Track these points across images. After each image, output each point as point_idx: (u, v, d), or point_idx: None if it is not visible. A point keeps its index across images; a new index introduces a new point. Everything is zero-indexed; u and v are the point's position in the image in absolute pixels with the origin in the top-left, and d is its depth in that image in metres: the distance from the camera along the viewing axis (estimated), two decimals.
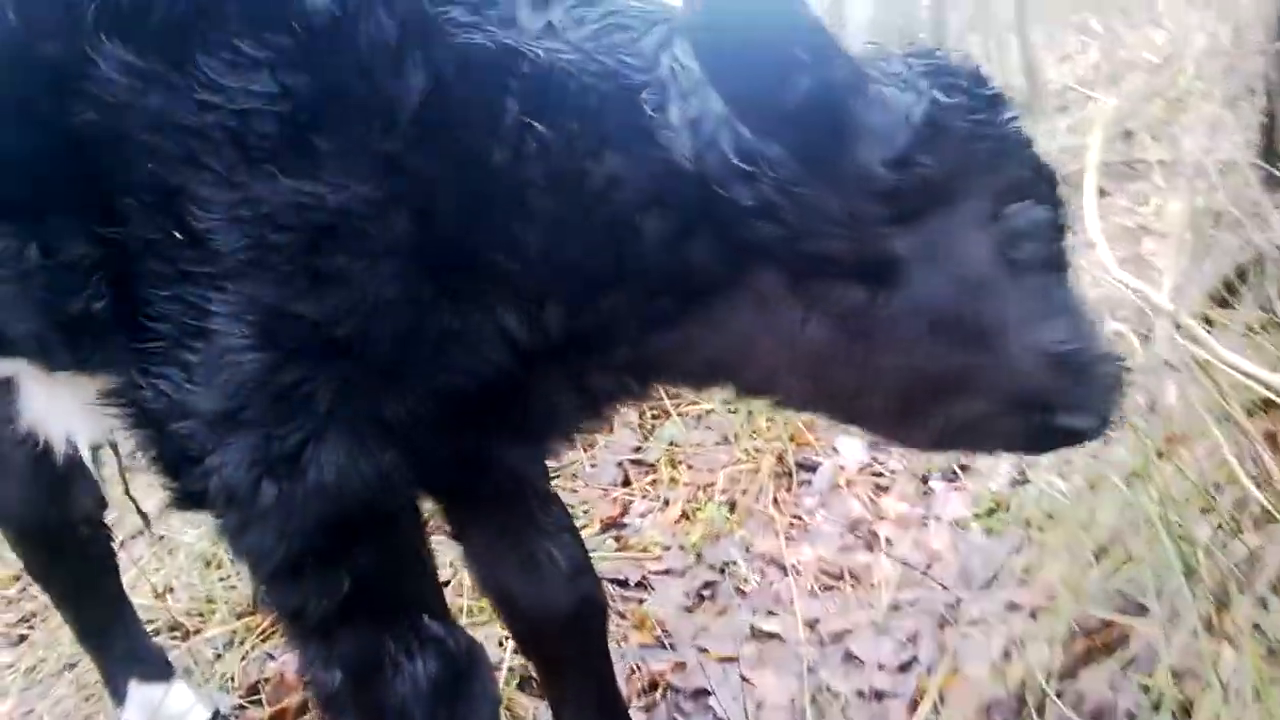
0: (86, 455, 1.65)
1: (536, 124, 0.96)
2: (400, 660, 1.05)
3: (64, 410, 1.35)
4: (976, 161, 0.99)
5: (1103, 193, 5.14)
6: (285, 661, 2.11)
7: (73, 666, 2.37)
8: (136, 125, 0.95)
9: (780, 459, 2.57)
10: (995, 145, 1.01)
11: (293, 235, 0.95)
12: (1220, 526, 1.60)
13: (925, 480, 2.43)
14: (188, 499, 1.05)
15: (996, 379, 1.04)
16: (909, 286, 1.00)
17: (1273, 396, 1.22)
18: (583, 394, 1.16)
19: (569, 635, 1.39)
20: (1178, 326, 1.28)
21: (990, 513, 2.20)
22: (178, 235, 0.96)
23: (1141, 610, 1.61)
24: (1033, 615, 1.75)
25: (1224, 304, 2.24)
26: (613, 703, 1.47)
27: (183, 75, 0.94)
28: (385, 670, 1.05)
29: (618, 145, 0.98)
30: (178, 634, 2.38)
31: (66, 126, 0.97)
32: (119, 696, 1.92)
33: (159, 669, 1.95)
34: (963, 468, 2.43)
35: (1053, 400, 1.06)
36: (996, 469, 2.35)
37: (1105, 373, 1.07)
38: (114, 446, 2.16)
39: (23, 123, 1.00)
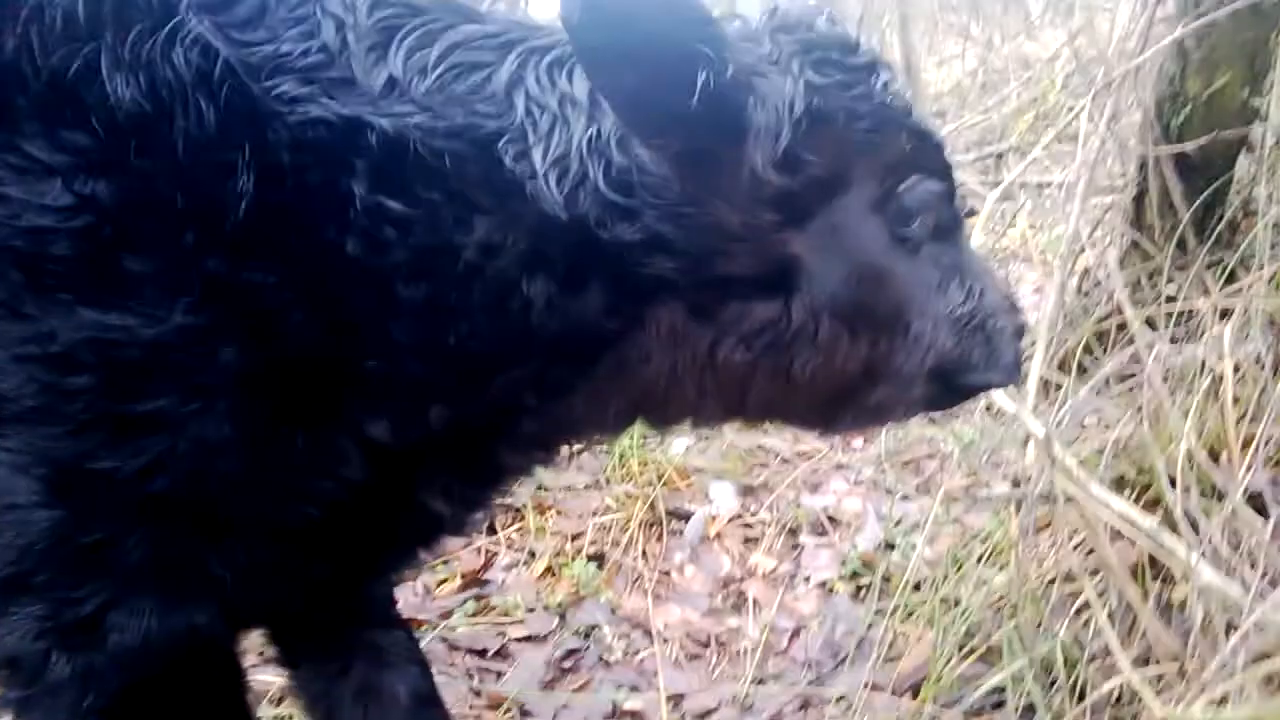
0: None
1: (391, 203, 0.85)
2: None
3: None
4: (859, 144, 0.96)
5: (970, 213, 5.29)
6: None
7: None
8: None
9: (651, 506, 2.51)
10: (875, 121, 0.97)
11: (93, 377, 0.81)
12: (1081, 616, 1.61)
13: (795, 533, 2.40)
14: None
15: (908, 358, 1.05)
16: (811, 288, 0.97)
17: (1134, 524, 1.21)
18: (467, 488, 1.06)
19: None
20: (1052, 460, 1.26)
21: (855, 574, 2.19)
22: None
23: (1000, 705, 1.62)
24: (895, 694, 1.74)
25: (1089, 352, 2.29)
26: None
27: None
28: None
29: (484, 209, 0.87)
30: None
31: None
32: None
33: None
34: (831, 520, 2.42)
35: (960, 364, 1.09)
36: (864, 525, 2.36)
37: (1004, 326, 1.12)
38: None
39: None
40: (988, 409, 2.55)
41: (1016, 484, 1.88)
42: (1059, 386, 2.19)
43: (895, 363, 1.04)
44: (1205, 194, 1.80)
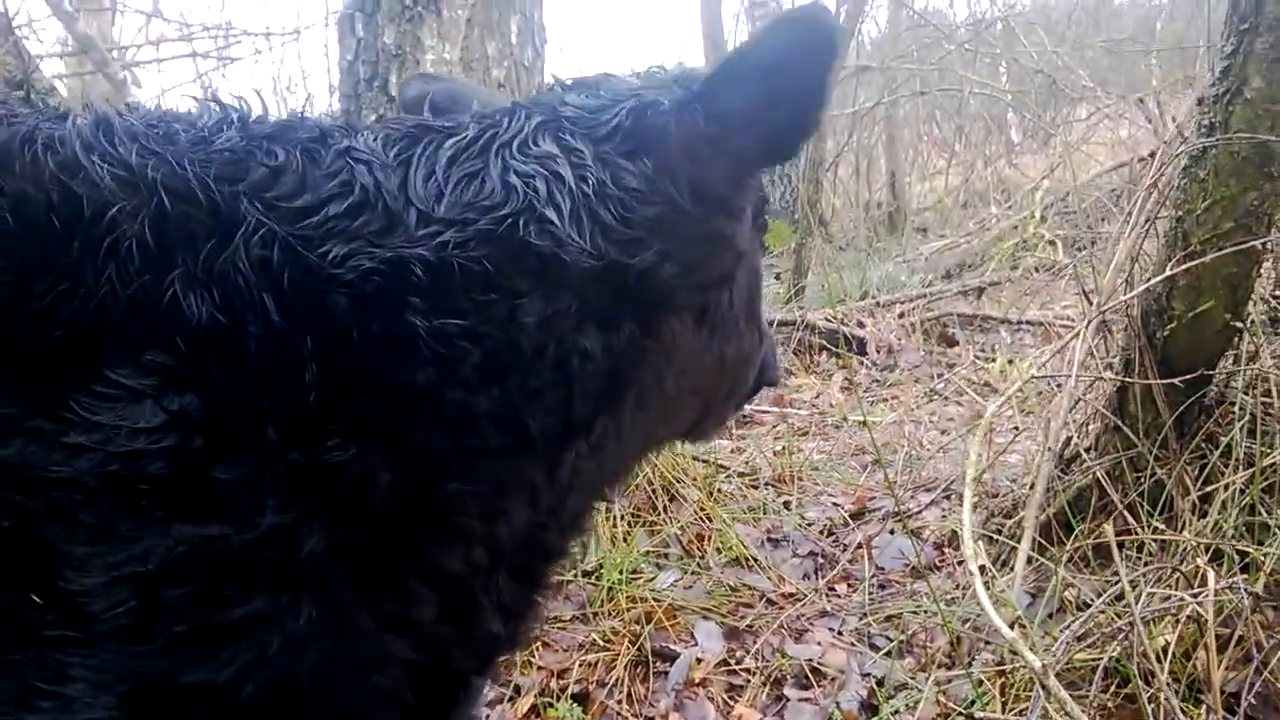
0: None
1: (451, 322, 0.90)
2: None
3: None
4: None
5: (952, 343, 5.46)
6: None
7: None
8: None
9: (638, 645, 2.53)
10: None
11: (188, 590, 0.82)
12: None
13: (779, 684, 2.44)
14: None
15: (762, 347, 1.33)
16: (738, 282, 1.17)
17: None
18: (520, 596, 1.11)
19: None
20: (1048, 693, 1.33)
21: None
22: (39, 599, 0.82)
23: None
24: None
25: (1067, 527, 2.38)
26: None
27: (48, 418, 0.80)
28: None
29: (531, 289, 0.94)
30: None
31: None
32: None
33: None
34: (814, 672, 2.46)
35: (769, 359, 1.41)
36: (847, 681, 2.40)
37: (773, 339, 1.45)
38: None
39: None
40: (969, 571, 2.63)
41: (1002, 671, 1.95)
42: (1030, 560, 2.27)
43: (758, 349, 1.31)
44: (1188, 402, 1.91)
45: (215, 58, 7.66)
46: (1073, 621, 1.67)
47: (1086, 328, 1.93)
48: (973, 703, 2.04)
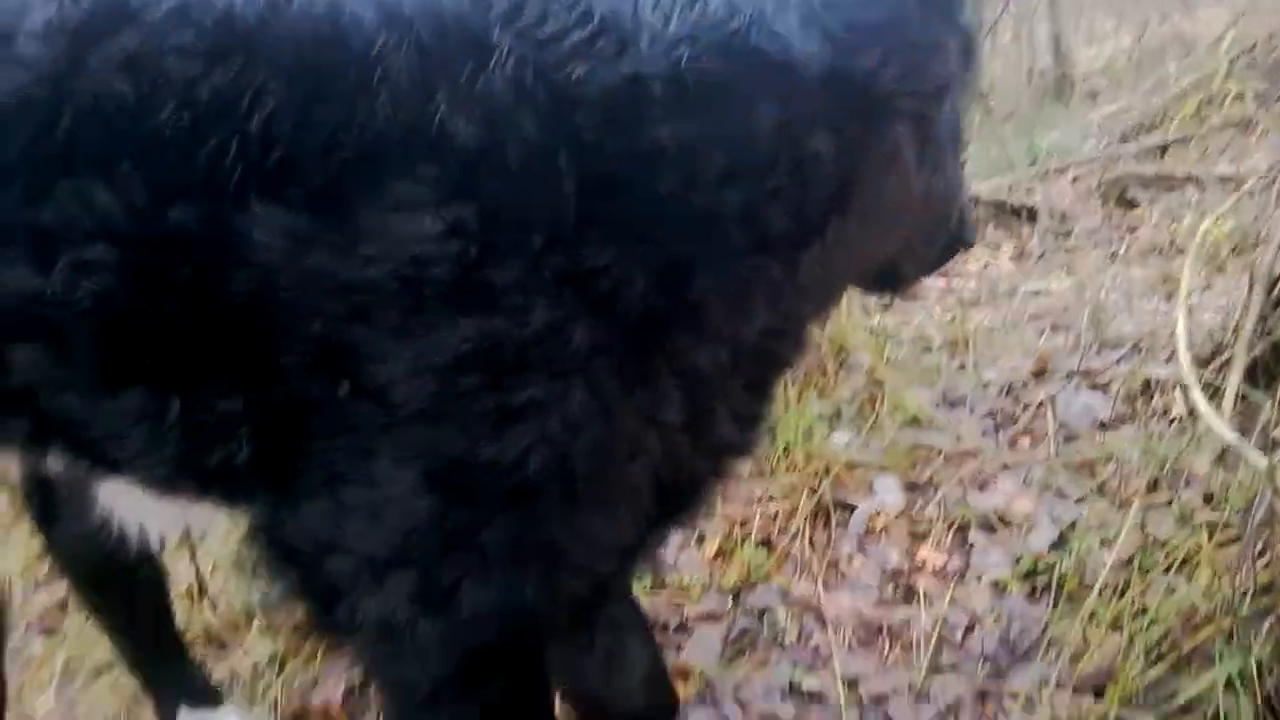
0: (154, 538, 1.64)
1: (690, 130, 0.95)
2: None
3: (138, 503, 1.35)
4: None
5: (1132, 205, 5.12)
6: (330, 690, 2.15)
7: (109, 668, 2.40)
8: (296, 288, 0.93)
9: (817, 497, 2.59)
10: None
11: (478, 378, 0.93)
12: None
13: (963, 530, 2.44)
14: (331, 629, 1.06)
15: (960, 195, 1.31)
16: (946, 110, 1.16)
17: None
18: (751, 403, 1.18)
19: None
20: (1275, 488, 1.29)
21: (1029, 574, 2.21)
22: (348, 392, 0.94)
23: (1186, 709, 1.64)
24: (1077, 698, 1.78)
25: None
26: None
27: (342, 231, 0.91)
28: None
29: (765, 96, 0.98)
30: (212, 645, 2.42)
31: (214, 293, 0.94)
32: None
33: (208, 695, 1.99)
34: (1000, 519, 2.45)
35: (964, 214, 1.36)
36: (1036, 525, 2.37)
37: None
38: (191, 547, 2.19)
39: (162, 291, 0.96)
40: (1167, 417, 2.53)
41: (1209, 499, 1.89)
42: (1244, 398, 2.16)
43: (958, 195, 1.28)
44: None
45: None
46: None
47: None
48: (1171, 543, 1.99)
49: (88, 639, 2.51)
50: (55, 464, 1.21)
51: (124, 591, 1.83)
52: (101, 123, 0.93)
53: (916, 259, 1.35)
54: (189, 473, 1.05)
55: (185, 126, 0.92)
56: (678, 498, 1.16)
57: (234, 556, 2.59)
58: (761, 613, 2.24)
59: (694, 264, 0.98)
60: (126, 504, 1.40)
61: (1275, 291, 2.45)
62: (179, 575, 2.42)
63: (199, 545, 2.51)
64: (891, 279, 1.41)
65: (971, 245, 1.48)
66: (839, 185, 1.04)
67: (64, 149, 0.95)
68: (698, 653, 2.12)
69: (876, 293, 1.60)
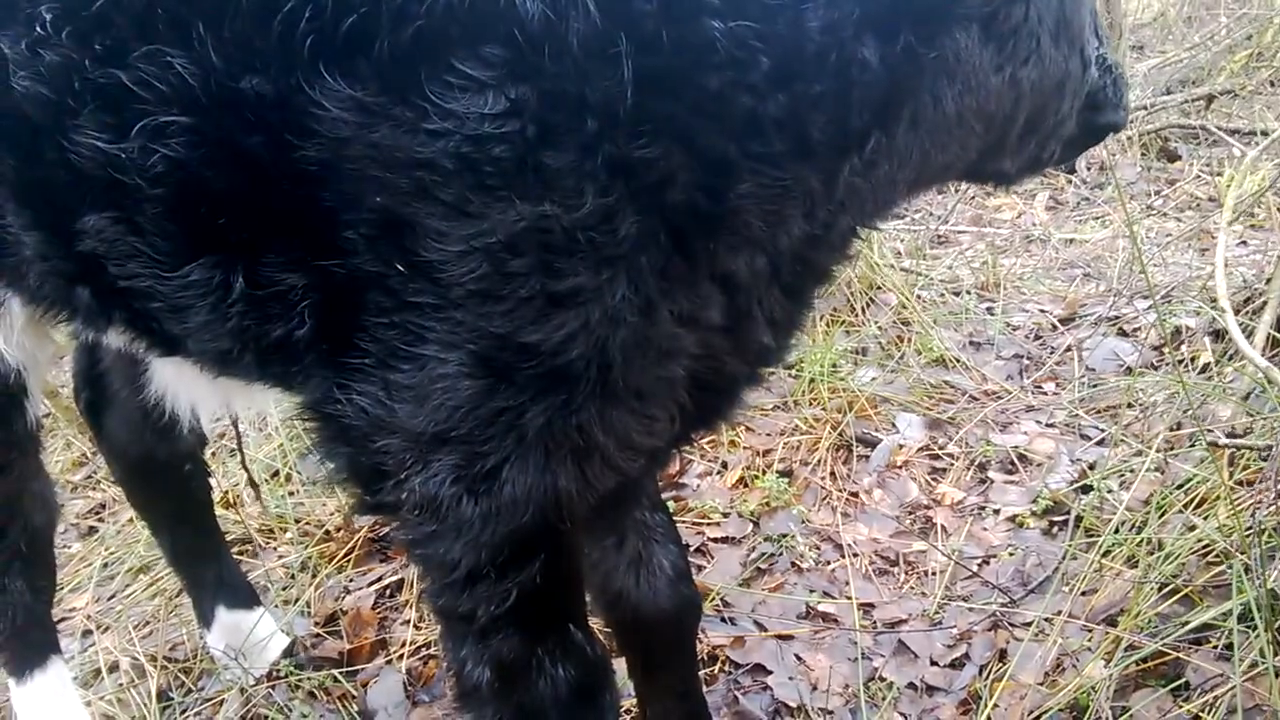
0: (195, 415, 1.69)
1: (743, 24, 0.94)
2: (546, 666, 1.11)
3: (191, 385, 1.39)
4: None
5: (1173, 158, 5.03)
6: (360, 596, 2.23)
7: (147, 569, 2.50)
8: (361, 160, 0.94)
9: (839, 430, 2.62)
10: None
11: (528, 261, 0.95)
12: None
13: (983, 468, 2.47)
14: (378, 508, 1.10)
15: (1081, 80, 1.23)
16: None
17: None
18: (790, 308, 1.19)
19: (668, 634, 1.47)
20: None
21: (1047, 511, 2.25)
22: (404, 268, 0.96)
23: (1197, 642, 1.68)
24: (1088, 628, 1.82)
25: None
26: (697, 696, 1.56)
27: (408, 106, 0.92)
28: (531, 673, 1.11)
29: None
30: (248, 549, 2.51)
31: (282, 162, 0.96)
32: (205, 619, 2.04)
33: (246, 597, 2.06)
34: (1021, 459, 2.47)
35: (1099, 99, 1.29)
36: (1056, 465, 2.40)
37: (1121, 73, 1.33)
38: (234, 421, 2.24)
39: (233, 159, 0.99)
40: (1194, 365, 2.53)
41: (1234, 434, 1.90)
42: (1273, 341, 2.16)
43: (1074, 80, 1.20)
44: None
45: None
46: None
47: None
48: (1190, 482, 2.00)
49: (127, 540, 2.61)
50: (115, 339, 1.25)
51: (171, 487, 1.89)
52: None
53: (1021, 155, 1.26)
54: (249, 348, 1.08)
55: None
56: (711, 400, 1.18)
57: (271, 463, 2.68)
58: (780, 539, 2.29)
59: (734, 166, 0.99)
60: (180, 389, 1.45)
61: None
62: (219, 482, 2.51)
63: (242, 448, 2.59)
64: (996, 175, 1.34)
65: (1118, 128, 1.40)
66: (885, 96, 1.03)
67: (142, 12, 0.97)
68: (717, 574, 2.18)
69: (987, 186, 1.54)
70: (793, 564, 2.22)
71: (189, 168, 1.00)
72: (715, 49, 0.95)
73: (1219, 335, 2.54)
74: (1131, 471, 2.17)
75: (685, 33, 0.95)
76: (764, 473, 2.50)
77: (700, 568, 2.21)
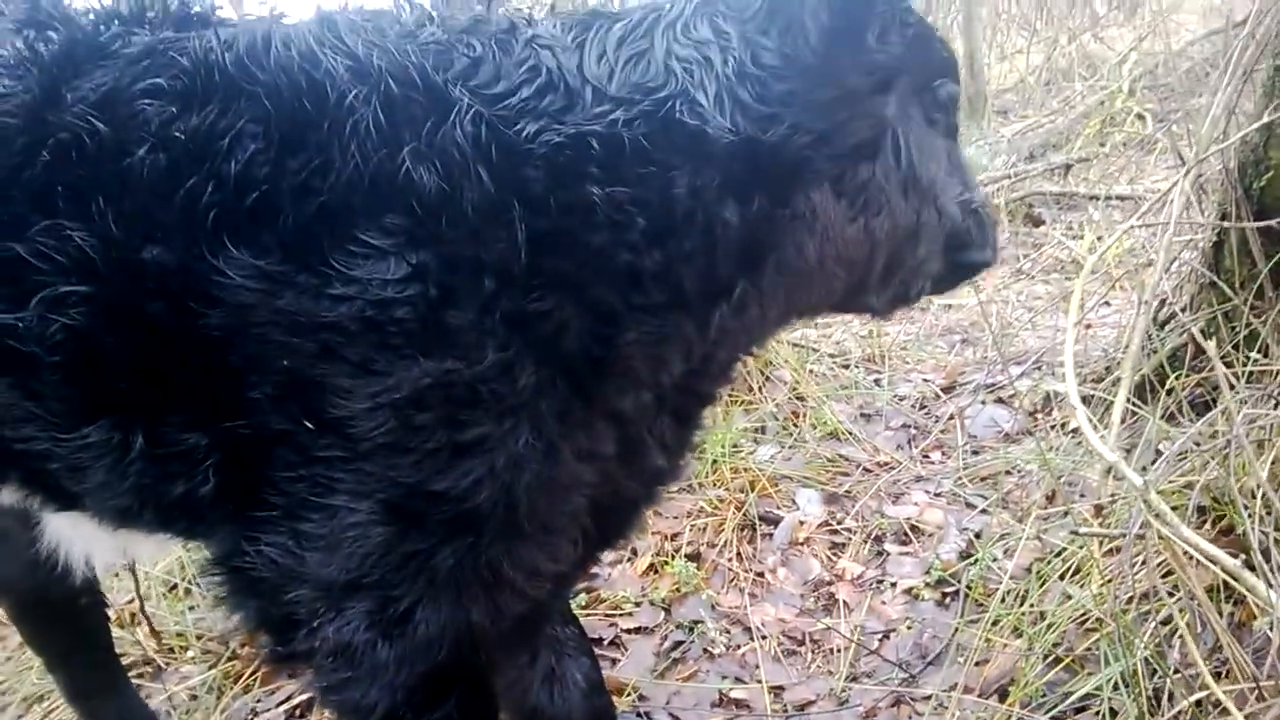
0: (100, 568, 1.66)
1: (621, 190, 1.04)
2: None
3: (88, 537, 1.37)
4: (912, 39, 1.21)
5: (1038, 222, 5.39)
6: (270, 718, 2.17)
7: (42, 699, 2.38)
8: (266, 325, 0.98)
9: (743, 510, 2.71)
10: (921, 28, 1.25)
11: (434, 415, 1.00)
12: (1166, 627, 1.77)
13: (880, 540, 2.59)
14: (290, 658, 1.11)
15: (937, 224, 1.30)
16: (887, 152, 1.20)
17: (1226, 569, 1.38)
18: (679, 433, 1.28)
19: None
20: (1149, 509, 1.43)
21: (940, 582, 2.37)
22: (312, 425, 0.99)
23: (1081, 710, 1.80)
24: (982, 701, 1.93)
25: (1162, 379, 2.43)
26: None
27: (312, 273, 0.97)
28: None
29: (683, 164, 1.08)
30: (148, 670, 2.42)
31: (185, 328, 0.99)
32: None
33: None
34: (913, 529, 2.60)
35: (964, 240, 1.36)
36: (945, 535, 2.53)
37: (989, 214, 1.41)
38: (131, 569, 2.19)
39: (134, 326, 1.01)
40: (1065, 430, 2.72)
41: (1099, 509, 2.05)
42: (1134, 414, 2.34)
43: (927, 230, 1.28)
44: None
45: None
46: (1177, 439, 1.75)
47: (1184, 178, 1.96)
48: (1067, 551, 2.15)
49: (19, 666, 2.48)
50: (7, 498, 1.23)
51: (65, 623, 1.83)
52: (78, 160, 0.98)
53: (887, 291, 1.34)
54: (151, 505, 1.09)
55: (162, 167, 0.98)
56: (612, 522, 1.25)
57: (170, 580, 2.60)
58: (692, 625, 2.34)
59: (620, 316, 1.07)
60: (76, 540, 1.42)
61: (1161, 311, 2.67)
62: (115, 599, 2.42)
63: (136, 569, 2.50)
64: (865, 308, 1.42)
65: (986, 266, 1.46)
66: (747, 250, 1.12)
67: (41, 188, 0.99)
68: (632, 666, 2.22)
69: (858, 316, 1.63)
70: (705, 650, 2.28)
71: (88, 335, 1.01)
72: (596, 211, 1.03)
73: (1088, 400, 2.74)
74: (1014, 540, 2.31)
75: (570, 197, 1.03)
76: (673, 557, 2.56)
77: (614, 661, 2.24)
